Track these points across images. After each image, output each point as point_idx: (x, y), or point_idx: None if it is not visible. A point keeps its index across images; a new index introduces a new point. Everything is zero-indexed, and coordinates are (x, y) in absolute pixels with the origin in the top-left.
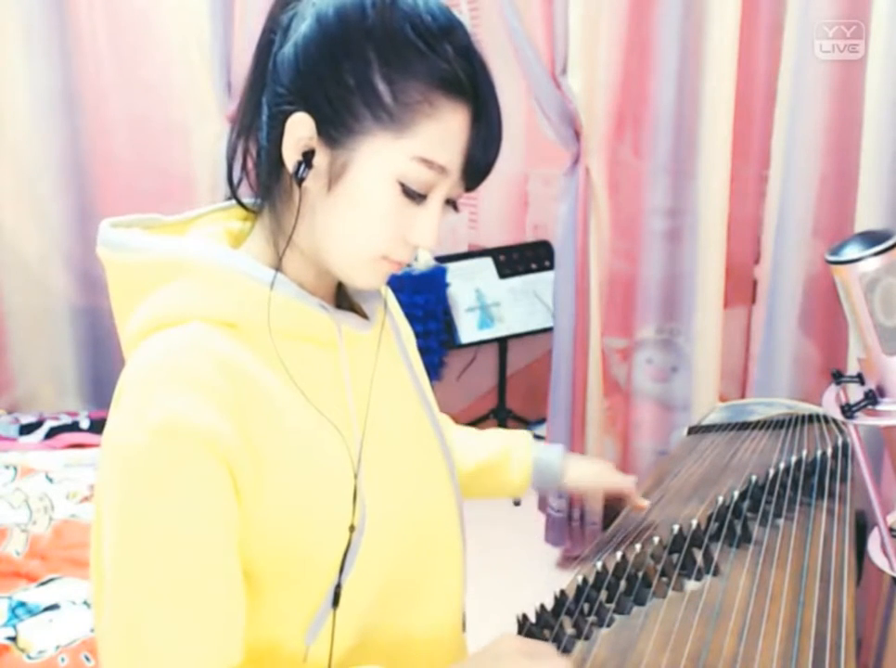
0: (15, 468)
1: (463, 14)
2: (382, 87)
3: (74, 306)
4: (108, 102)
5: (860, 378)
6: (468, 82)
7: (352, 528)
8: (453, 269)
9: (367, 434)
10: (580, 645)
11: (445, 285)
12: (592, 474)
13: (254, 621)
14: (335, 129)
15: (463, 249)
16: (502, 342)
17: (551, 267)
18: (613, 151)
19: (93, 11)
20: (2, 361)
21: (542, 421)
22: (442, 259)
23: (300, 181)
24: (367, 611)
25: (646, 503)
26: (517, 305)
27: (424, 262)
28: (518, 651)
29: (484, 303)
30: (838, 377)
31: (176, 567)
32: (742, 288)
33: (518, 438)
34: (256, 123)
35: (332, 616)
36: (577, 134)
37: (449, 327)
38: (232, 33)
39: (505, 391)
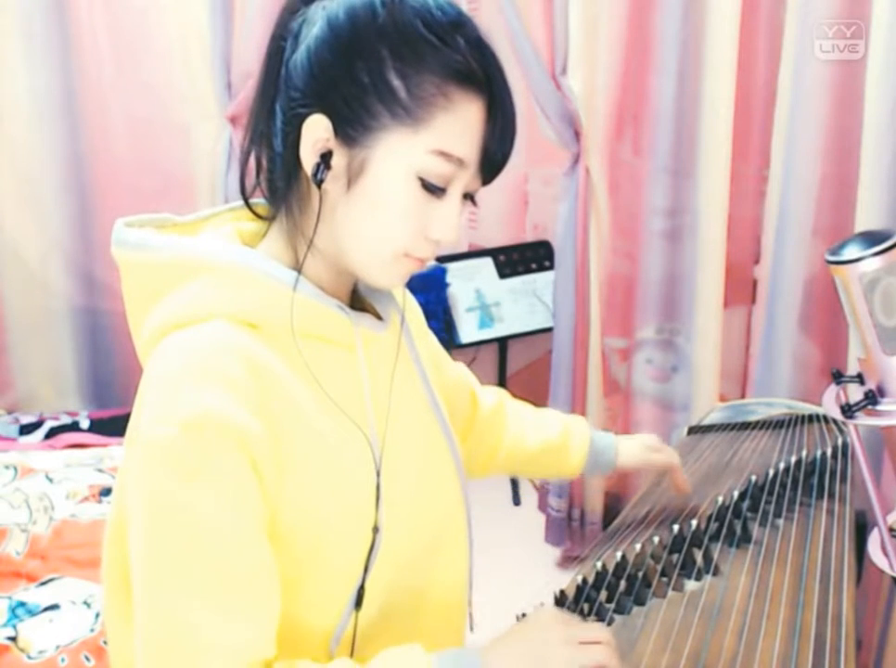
0: (15, 468)
1: None
2: (397, 83)
3: (74, 306)
4: (109, 102)
5: (860, 378)
6: (482, 73)
7: (375, 528)
8: (453, 269)
9: (387, 434)
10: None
11: (445, 285)
12: (639, 453)
13: (279, 625)
14: (352, 128)
15: (463, 249)
16: (502, 342)
17: (551, 267)
18: (613, 151)
19: (93, 11)
20: (2, 361)
21: None
22: (442, 259)
23: (320, 183)
24: (377, 611)
25: (688, 487)
26: (517, 305)
27: None
28: (556, 620)
29: (484, 303)
30: (838, 377)
31: (210, 556)
32: (742, 288)
33: (575, 424)
34: (270, 130)
35: (354, 618)
36: (577, 134)
37: (449, 327)
38: (232, 33)
39: (506, 391)
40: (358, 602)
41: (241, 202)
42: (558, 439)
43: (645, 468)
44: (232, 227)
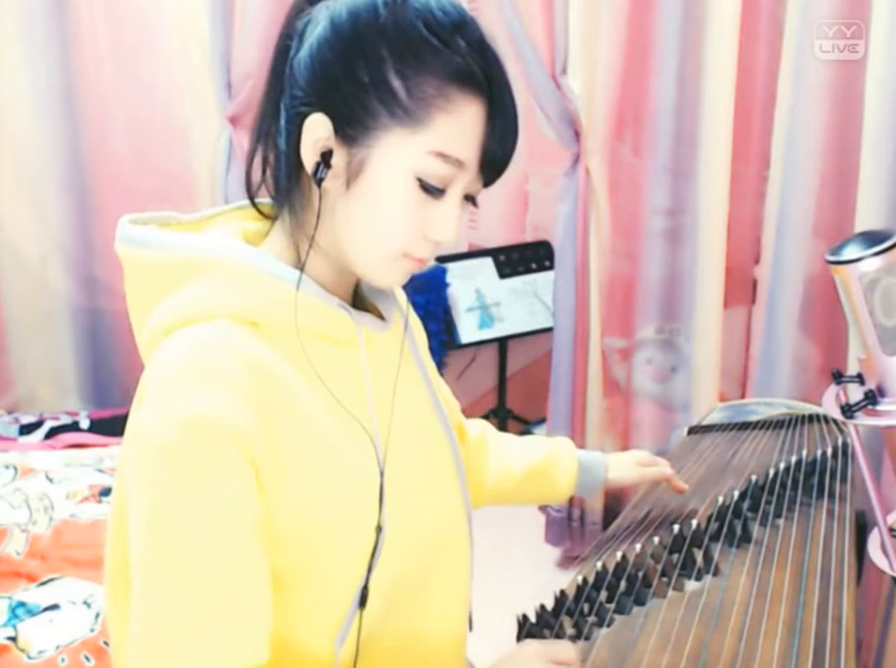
0: (15, 468)
1: None
2: (397, 84)
3: (74, 306)
4: (108, 102)
5: (860, 379)
6: (482, 75)
7: (378, 528)
8: (453, 269)
9: (390, 433)
10: (580, 645)
11: (445, 285)
12: (632, 469)
13: (283, 627)
14: (351, 127)
15: (463, 249)
16: (502, 342)
17: (551, 267)
18: (613, 151)
19: (93, 11)
20: (2, 361)
21: (542, 421)
22: (442, 259)
23: (320, 181)
24: (378, 612)
25: (685, 486)
26: (517, 305)
27: None
28: (538, 657)
29: (484, 303)
30: (838, 377)
31: (204, 561)
32: (742, 288)
33: (561, 444)
34: (274, 128)
35: (358, 618)
36: (577, 134)
37: (449, 327)
38: (232, 33)
39: (505, 391)
40: (362, 602)
41: (247, 201)
42: (545, 460)
43: (638, 482)
44: (236, 226)
